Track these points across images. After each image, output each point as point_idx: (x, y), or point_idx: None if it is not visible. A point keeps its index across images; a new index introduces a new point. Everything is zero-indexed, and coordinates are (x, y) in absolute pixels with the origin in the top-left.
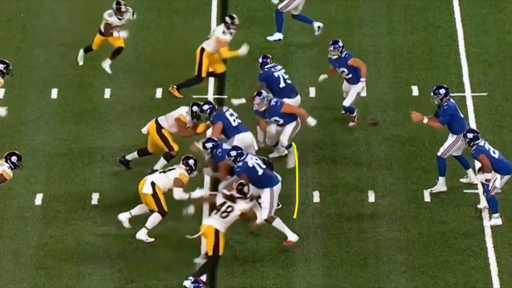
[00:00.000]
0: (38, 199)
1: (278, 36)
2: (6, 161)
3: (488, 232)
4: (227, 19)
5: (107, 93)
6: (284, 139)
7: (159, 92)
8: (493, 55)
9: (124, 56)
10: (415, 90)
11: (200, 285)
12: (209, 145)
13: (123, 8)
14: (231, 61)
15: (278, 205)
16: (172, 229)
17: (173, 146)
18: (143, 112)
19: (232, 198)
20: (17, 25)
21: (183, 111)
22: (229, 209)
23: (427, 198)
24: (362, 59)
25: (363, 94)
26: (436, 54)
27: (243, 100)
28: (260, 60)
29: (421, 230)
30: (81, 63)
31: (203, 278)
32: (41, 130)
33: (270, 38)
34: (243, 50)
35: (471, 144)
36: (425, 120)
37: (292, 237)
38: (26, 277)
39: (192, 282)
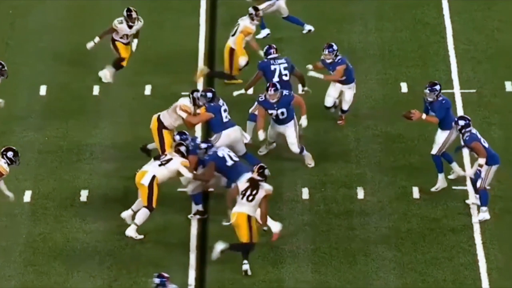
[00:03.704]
0: (27, 196)
1: (265, 32)
2: (3, 157)
3: (476, 229)
4: (251, 10)
5: (96, 90)
6: (295, 148)
7: (148, 89)
8: (482, 52)
9: (113, 54)
10: (404, 87)
11: (164, 279)
12: (177, 137)
13: (134, 15)
14: (219, 55)
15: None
16: (160, 226)
17: (166, 150)
18: (132, 109)
19: (254, 182)
20: (5, 22)
21: (184, 101)
22: (254, 192)
23: (415, 194)
24: (351, 56)
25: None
26: (425, 51)
27: (242, 91)
28: (264, 49)
29: (410, 226)
30: (111, 80)
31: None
32: (30, 127)
33: (259, 36)
34: (242, 61)
35: (463, 131)
36: (424, 116)
37: (276, 228)
38: (15, 274)
39: (157, 277)
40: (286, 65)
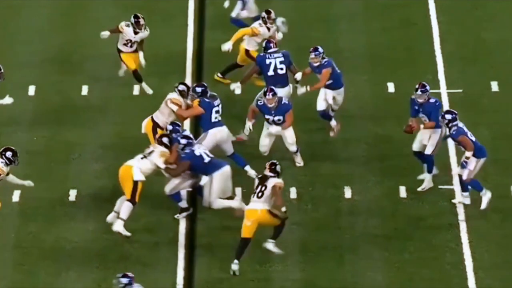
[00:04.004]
0: (16, 196)
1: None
2: (1, 157)
3: (463, 228)
4: (263, 14)
5: (85, 90)
6: (293, 148)
7: (136, 89)
8: (469, 52)
9: (102, 54)
10: (391, 87)
11: (130, 278)
12: (169, 127)
13: (142, 22)
14: (210, 57)
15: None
16: (149, 225)
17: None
18: (121, 109)
19: (265, 178)
20: None
21: (173, 95)
22: (263, 188)
23: (403, 194)
24: (338, 56)
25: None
26: (412, 51)
27: (238, 84)
28: (264, 44)
29: (397, 226)
30: (150, 91)
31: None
32: (19, 127)
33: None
34: (225, 46)
35: (450, 125)
36: (422, 126)
37: (235, 203)
38: (5, 274)
39: (122, 277)
40: (282, 59)
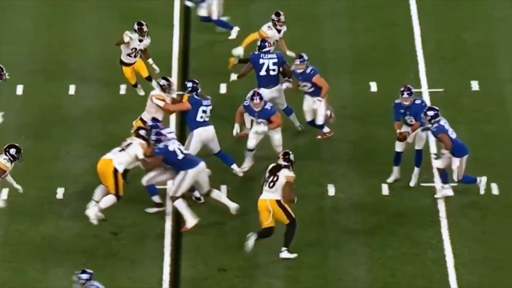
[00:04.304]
0: (4, 194)
1: (234, 31)
2: (5, 154)
3: (444, 225)
4: (273, 16)
5: (72, 90)
6: (280, 149)
7: (123, 89)
8: (449, 52)
9: (89, 54)
10: (373, 86)
11: (90, 274)
12: (149, 123)
13: (145, 28)
14: (195, 57)
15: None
16: (135, 222)
17: None
18: (108, 108)
19: (278, 168)
20: None
21: (155, 91)
22: (275, 179)
23: (385, 191)
24: (322, 56)
25: (316, 107)
26: (394, 51)
27: (235, 78)
28: (259, 43)
29: (380, 223)
30: (141, 93)
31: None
32: (6, 126)
33: (230, 37)
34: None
35: (432, 121)
36: (410, 131)
37: (190, 223)
38: None
39: (82, 273)
40: (275, 60)
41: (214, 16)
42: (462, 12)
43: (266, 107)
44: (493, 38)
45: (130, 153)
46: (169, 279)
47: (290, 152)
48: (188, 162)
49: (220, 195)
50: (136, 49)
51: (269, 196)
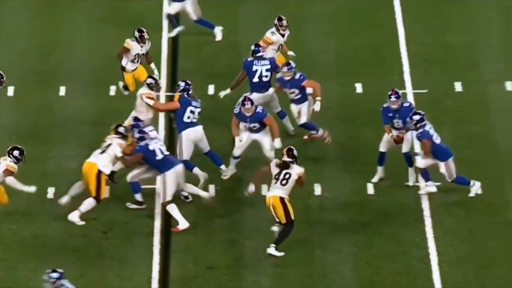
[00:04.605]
0: None
1: (218, 30)
2: (9, 156)
3: (428, 223)
4: (276, 21)
5: (62, 91)
6: (271, 154)
7: (113, 90)
8: (434, 54)
9: (80, 55)
10: (359, 88)
11: (60, 273)
12: (132, 122)
13: (146, 35)
14: (184, 59)
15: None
16: (125, 222)
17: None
18: (98, 109)
19: (286, 165)
20: None
21: (143, 90)
22: (287, 176)
23: (370, 191)
24: (308, 57)
25: (317, 108)
26: (379, 53)
27: (228, 91)
28: (253, 47)
29: (365, 221)
30: (126, 93)
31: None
32: None
33: (217, 39)
34: None
35: (418, 125)
36: (404, 135)
37: (182, 225)
38: None
39: (52, 272)
40: (268, 66)
41: (193, 17)
42: (446, 14)
43: (257, 110)
44: (476, 40)
45: (110, 154)
46: (158, 278)
47: (293, 148)
48: (166, 164)
49: (192, 187)
50: (138, 54)
51: (275, 192)
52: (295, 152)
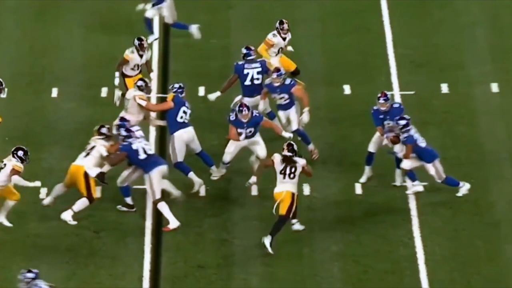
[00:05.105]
0: None
1: (194, 29)
2: (14, 156)
3: (415, 223)
4: (277, 25)
5: (55, 92)
6: (264, 156)
7: (104, 91)
8: (420, 56)
9: (72, 57)
10: (347, 89)
11: (36, 273)
12: (118, 122)
13: (145, 44)
14: (174, 61)
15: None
16: (116, 221)
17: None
18: (90, 110)
19: (290, 159)
20: None
21: (135, 92)
22: (293, 169)
23: (358, 191)
24: (296, 60)
25: (306, 119)
26: (367, 55)
27: (218, 93)
28: (244, 51)
29: (353, 221)
30: (118, 103)
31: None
32: None
33: (195, 37)
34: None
35: (403, 130)
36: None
37: (173, 224)
38: None
39: (28, 272)
40: (259, 69)
41: (169, 21)
42: (433, 17)
43: (254, 115)
44: (462, 42)
45: (95, 155)
46: (149, 276)
47: (293, 143)
48: (149, 163)
49: (167, 183)
50: (138, 65)
51: (286, 187)
52: (295, 146)
